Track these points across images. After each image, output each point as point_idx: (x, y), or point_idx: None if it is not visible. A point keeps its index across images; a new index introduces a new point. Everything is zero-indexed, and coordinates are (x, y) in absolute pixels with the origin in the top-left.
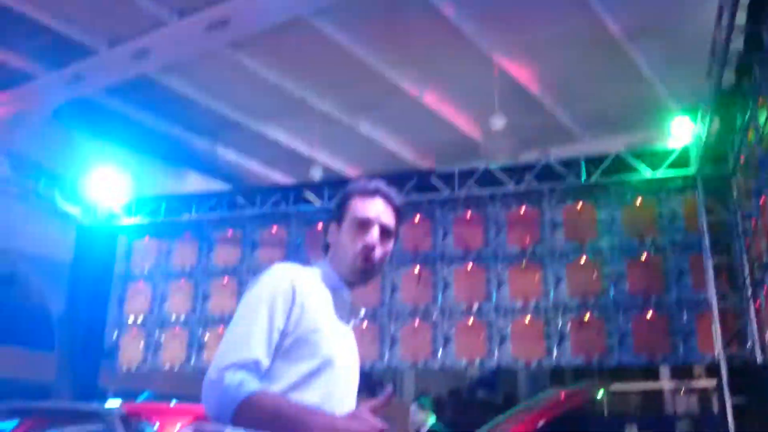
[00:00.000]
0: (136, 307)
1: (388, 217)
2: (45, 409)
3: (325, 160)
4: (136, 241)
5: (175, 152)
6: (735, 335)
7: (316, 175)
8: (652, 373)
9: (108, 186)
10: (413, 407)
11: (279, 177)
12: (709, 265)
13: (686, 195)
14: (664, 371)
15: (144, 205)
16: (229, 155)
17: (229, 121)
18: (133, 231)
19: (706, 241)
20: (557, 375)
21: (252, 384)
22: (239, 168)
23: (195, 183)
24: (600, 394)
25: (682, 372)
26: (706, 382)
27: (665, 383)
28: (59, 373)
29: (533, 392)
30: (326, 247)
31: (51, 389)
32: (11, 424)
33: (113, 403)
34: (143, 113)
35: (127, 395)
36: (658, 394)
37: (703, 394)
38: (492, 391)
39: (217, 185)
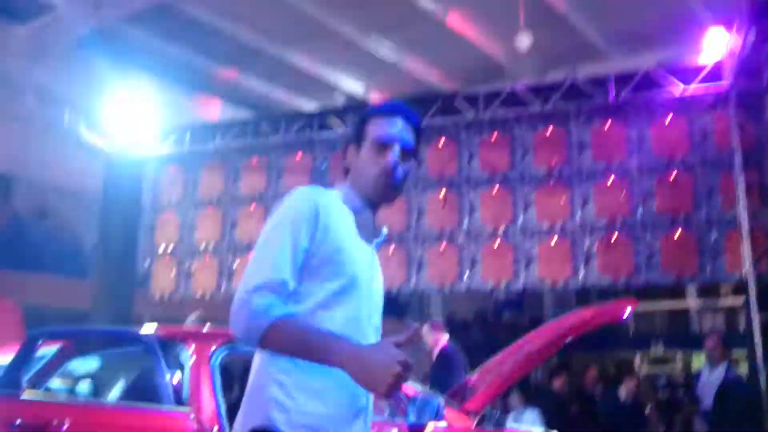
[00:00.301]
0: (166, 236)
1: (408, 137)
2: (85, 333)
3: (348, 86)
4: (162, 171)
5: (199, 81)
6: (764, 253)
7: (340, 100)
8: (678, 293)
9: (133, 116)
10: (425, 328)
11: (303, 104)
12: (740, 182)
13: (718, 111)
14: (691, 290)
15: (169, 134)
16: (252, 83)
17: (252, 48)
18: (159, 161)
19: (738, 159)
20: (583, 296)
21: (280, 308)
22: (263, 95)
23: (219, 112)
24: (627, 312)
25: (709, 291)
26: (733, 300)
27: (692, 302)
28: (95, 301)
29: (559, 314)
30: (346, 171)
31: (88, 316)
32: (53, 348)
33: (150, 327)
34: (165, 42)
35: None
36: (685, 312)
37: (730, 312)
38: (518, 313)
39: (241, 114)
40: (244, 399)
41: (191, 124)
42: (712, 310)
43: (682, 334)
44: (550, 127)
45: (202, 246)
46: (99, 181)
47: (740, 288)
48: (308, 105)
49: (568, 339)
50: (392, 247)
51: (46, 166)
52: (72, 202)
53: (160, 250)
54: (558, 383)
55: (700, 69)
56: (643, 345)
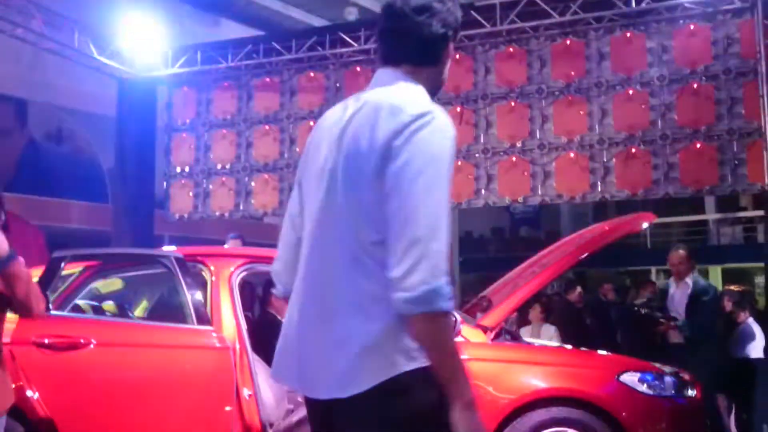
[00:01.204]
0: (182, 157)
1: None
2: (108, 255)
3: (361, 1)
4: (175, 92)
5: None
6: None
7: (351, 16)
8: (696, 206)
9: (144, 36)
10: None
11: (314, 21)
12: (765, 91)
13: (744, 18)
14: (710, 203)
15: (180, 54)
16: (263, 0)
17: None
18: (171, 82)
19: (763, 68)
20: (600, 211)
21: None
22: (273, 13)
23: (229, 31)
24: (644, 225)
25: (728, 203)
26: (752, 213)
27: (710, 215)
28: (115, 224)
29: (576, 229)
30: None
31: (109, 238)
32: (77, 269)
33: (169, 248)
34: None
35: (182, 242)
36: (703, 225)
37: (749, 224)
38: (534, 228)
39: (251, 33)
40: (350, 356)
41: (202, 44)
42: (730, 222)
43: (699, 248)
44: (569, 39)
45: (219, 166)
46: (112, 104)
47: (759, 200)
48: (320, 23)
49: (586, 253)
50: None
51: (58, 90)
52: (87, 125)
53: (177, 171)
54: (573, 295)
55: None
56: (659, 259)
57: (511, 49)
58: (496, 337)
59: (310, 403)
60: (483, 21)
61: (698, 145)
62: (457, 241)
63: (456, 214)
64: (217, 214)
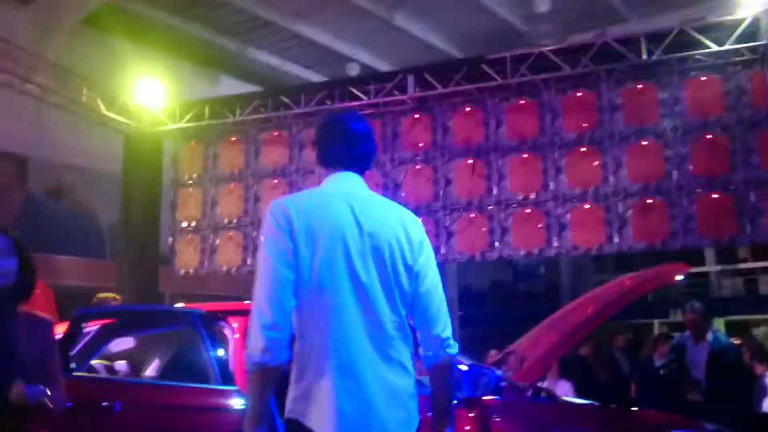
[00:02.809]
0: (188, 212)
1: None
2: (129, 313)
3: (361, 58)
4: (182, 147)
5: (208, 56)
6: None
7: (353, 72)
8: (697, 258)
9: (150, 92)
10: None
11: (313, 77)
12: None
13: (754, 69)
14: (710, 255)
15: (187, 109)
16: (262, 56)
17: (262, 20)
18: (178, 136)
19: None
20: (600, 263)
21: None
22: (273, 70)
23: (229, 87)
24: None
25: (728, 255)
26: (754, 264)
27: (711, 267)
28: (119, 280)
29: (576, 282)
30: None
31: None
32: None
33: (180, 305)
34: (173, 17)
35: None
36: (704, 277)
37: (750, 276)
38: (534, 281)
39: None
40: (410, 385)
41: (210, 99)
42: (731, 274)
43: (700, 300)
44: (580, 90)
45: (226, 221)
46: (114, 160)
47: (758, 251)
48: (318, 79)
49: (624, 304)
50: (420, 218)
51: (59, 146)
52: (87, 181)
53: (183, 226)
54: (584, 350)
55: (735, 26)
56: (661, 312)
57: (522, 102)
58: (533, 394)
59: None
60: (493, 74)
61: (715, 196)
62: (456, 296)
63: (453, 268)
64: (224, 269)
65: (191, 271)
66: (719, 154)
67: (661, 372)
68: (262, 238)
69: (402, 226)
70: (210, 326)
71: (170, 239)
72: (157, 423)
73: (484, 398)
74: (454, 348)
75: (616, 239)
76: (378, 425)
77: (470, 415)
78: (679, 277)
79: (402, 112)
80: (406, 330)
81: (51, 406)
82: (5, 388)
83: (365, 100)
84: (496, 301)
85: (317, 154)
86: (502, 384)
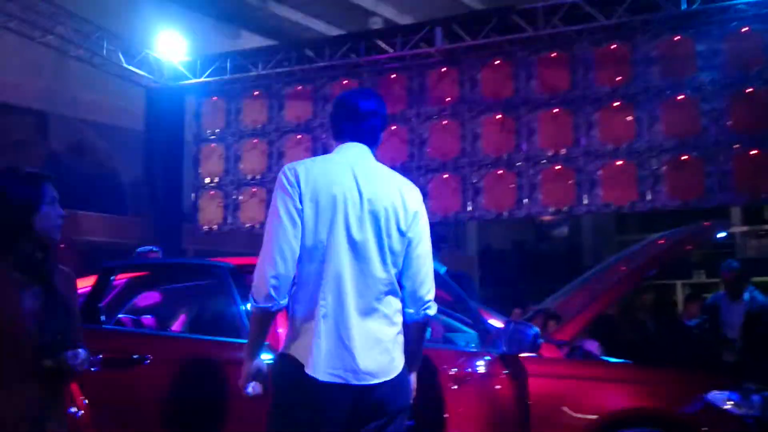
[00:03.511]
0: (211, 168)
1: None
2: (159, 266)
3: (384, 12)
4: (204, 102)
5: (229, 11)
6: None
7: (376, 27)
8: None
9: (172, 46)
10: None
11: (336, 33)
12: None
13: None
14: (735, 215)
15: (209, 63)
16: (283, 11)
17: None
18: (200, 91)
19: None
20: (622, 224)
21: None
22: (294, 25)
23: (251, 42)
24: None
25: (755, 216)
26: None
27: (736, 228)
28: (143, 236)
29: (598, 243)
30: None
31: (130, 252)
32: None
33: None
34: None
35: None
36: (729, 237)
37: None
38: (556, 241)
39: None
40: (395, 334)
41: (231, 52)
42: (758, 235)
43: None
44: (614, 43)
45: (249, 177)
46: (135, 116)
47: None
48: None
49: (662, 263)
50: (446, 174)
51: (79, 102)
52: (108, 137)
53: (206, 182)
54: (610, 310)
55: None
56: (683, 273)
57: (553, 54)
58: (570, 352)
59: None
60: (524, 25)
61: (753, 152)
62: (476, 256)
63: (474, 228)
64: (247, 225)
65: (214, 227)
66: (759, 109)
67: (695, 332)
68: (275, 194)
69: (400, 195)
70: (239, 280)
71: (193, 195)
72: (187, 377)
73: (521, 355)
74: (432, 309)
75: (649, 197)
76: (352, 363)
77: (505, 371)
78: (721, 235)
79: (429, 65)
80: (395, 287)
81: (92, 368)
82: (63, 350)
83: (391, 52)
84: (516, 261)
85: (330, 128)
86: (540, 341)
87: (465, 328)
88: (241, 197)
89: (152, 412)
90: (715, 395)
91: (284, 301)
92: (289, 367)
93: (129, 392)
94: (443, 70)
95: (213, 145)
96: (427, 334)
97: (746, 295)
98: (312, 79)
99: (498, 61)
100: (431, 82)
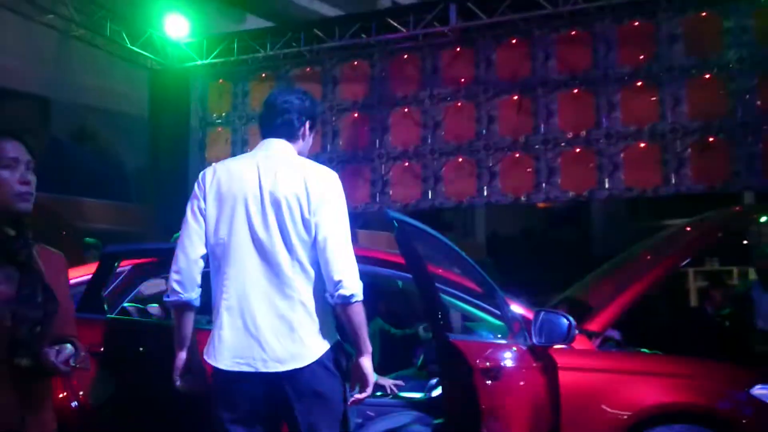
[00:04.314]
0: (217, 152)
1: None
2: (166, 251)
3: None
4: (210, 84)
5: None
6: None
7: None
8: (736, 204)
9: (176, 27)
10: None
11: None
12: None
13: None
14: (749, 197)
15: (215, 44)
16: None
17: None
18: (206, 73)
19: None
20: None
21: None
22: (300, 9)
23: (256, 26)
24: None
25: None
26: None
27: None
28: (148, 223)
29: (609, 230)
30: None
31: (134, 239)
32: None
33: None
34: None
35: None
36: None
37: None
38: (566, 229)
39: None
40: (309, 321)
41: (237, 33)
42: None
43: (739, 248)
44: (637, 20)
45: None
46: (138, 101)
47: None
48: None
49: (696, 250)
50: (461, 158)
51: (82, 87)
52: (111, 123)
53: None
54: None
55: None
56: (695, 260)
57: (573, 32)
58: (602, 344)
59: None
60: (543, 2)
61: None
62: (484, 242)
63: (482, 214)
64: None
65: None
66: None
67: (724, 321)
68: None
69: (303, 183)
70: None
71: None
72: None
73: (554, 347)
74: (347, 290)
75: (673, 180)
76: (261, 352)
77: (535, 364)
78: (763, 219)
79: (442, 45)
80: (308, 274)
81: (86, 368)
82: (44, 346)
83: (403, 32)
84: (525, 248)
85: None
86: (576, 332)
87: (488, 317)
88: None
89: (156, 406)
90: (760, 389)
91: (193, 294)
92: (206, 363)
93: (132, 385)
94: (457, 50)
95: (219, 129)
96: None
97: None
98: (321, 61)
99: (515, 40)
100: (445, 62)
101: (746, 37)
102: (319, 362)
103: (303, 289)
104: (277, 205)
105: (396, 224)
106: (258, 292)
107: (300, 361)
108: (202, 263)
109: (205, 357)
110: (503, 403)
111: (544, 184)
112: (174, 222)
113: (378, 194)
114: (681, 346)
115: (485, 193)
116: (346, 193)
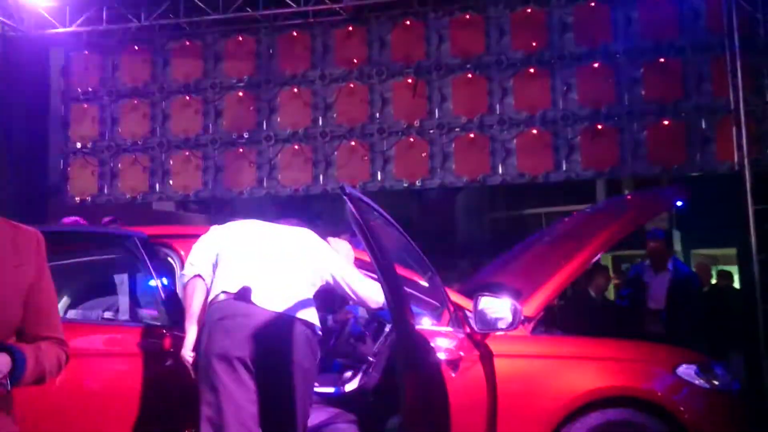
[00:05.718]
0: (83, 131)
1: None
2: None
3: None
4: (74, 55)
5: None
6: (757, 140)
7: None
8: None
9: None
10: None
11: None
12: (737, 66)
13: None
14: (600, 189)
15: (80, 11)
16: None
17: None
18: (69, 43)
19: (731, 41)
20: (493, 202)
21: None
22: None
23: None
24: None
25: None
26: None
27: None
28: (1, 207)
29: (470, 220)
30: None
31: None
32: None
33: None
34: None
35: None
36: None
37: None
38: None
39: None
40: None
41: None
42: None
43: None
44: (530, 6)
45: (129, 142)
46: None
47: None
48: None
49: (627, 231)
50: (354, 141)
51: None
52: None
53: (77, 148)
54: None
55: None
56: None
57: (467, 16)
58: (533, 329)
59: None
60: None
61: (666, 122)
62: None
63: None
64: (128, 196)
65: (88, 198)
66: (671, 79)
67: (618, 304)
68: None
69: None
70: (154, 253)
71: (61, 162)
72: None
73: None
74: None
75: (564, 167)
76: None
77: (475, 352)
78: (679, 204)
79: (334, 23)
80: None
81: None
82: None
83: (293, 7)
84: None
85: None
86: (522, 317)
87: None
88: (120, 165)
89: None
90: (685, 369)
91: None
92: None
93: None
94: (350, 29)
95: (85, 105)
96: None
97: (669, 265)
98: (202, 35)
99: (408, 22)
100: (337, 41)
101: (631, 28)
102: None
103: None
104: None
105: (349, 201)
106: None
107: None
108: None
109: None
110: (462, 394)
111: (438, 170)
112: (31, 206)
113: (265, 179)
114: (578, 328)
115: (379, 178)
116: (230, 177)
